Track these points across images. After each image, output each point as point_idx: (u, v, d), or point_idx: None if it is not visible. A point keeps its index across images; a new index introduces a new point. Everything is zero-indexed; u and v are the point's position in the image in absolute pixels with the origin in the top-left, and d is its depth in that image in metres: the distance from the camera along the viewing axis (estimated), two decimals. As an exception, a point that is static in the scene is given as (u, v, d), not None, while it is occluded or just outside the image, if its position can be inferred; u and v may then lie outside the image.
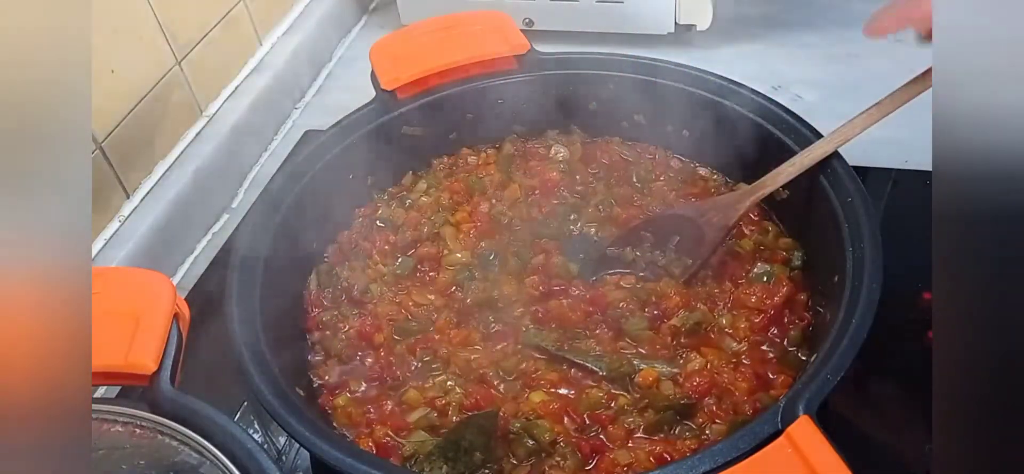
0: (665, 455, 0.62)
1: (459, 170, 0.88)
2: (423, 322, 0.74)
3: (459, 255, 0.79)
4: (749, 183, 0.81)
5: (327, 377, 0.71)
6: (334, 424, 0.67)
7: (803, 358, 0.67)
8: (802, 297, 0.71)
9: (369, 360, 0.71)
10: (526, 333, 0.71)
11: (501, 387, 0.68)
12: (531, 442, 0.63)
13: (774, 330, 0.69)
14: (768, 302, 0.71)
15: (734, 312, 0.71)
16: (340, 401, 0.68)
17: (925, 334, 0.71)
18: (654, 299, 0.72)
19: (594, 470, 0.62)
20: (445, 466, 0.61)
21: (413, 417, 0.67)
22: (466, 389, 0.68)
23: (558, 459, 0.62)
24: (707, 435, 0.63)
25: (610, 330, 0.71)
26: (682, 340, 0.69)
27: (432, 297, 0.76)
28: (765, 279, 0.73)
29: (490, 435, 0.63)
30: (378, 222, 0.84)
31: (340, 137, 0.81)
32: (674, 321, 0.70)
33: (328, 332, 0.74)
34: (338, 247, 0.81)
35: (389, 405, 0.68)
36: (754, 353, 0.68)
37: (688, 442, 0.63)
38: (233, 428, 0.54)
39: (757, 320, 0.70)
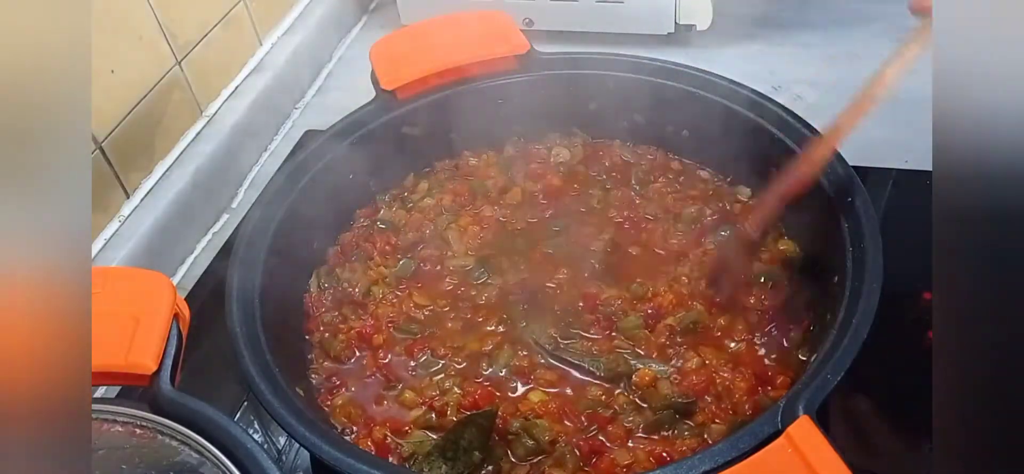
0: (665, 455, 0.62)
1: (461, 172, 0.88)
2: (423, 323, 0.74)
3: (461, 260, 0.79)
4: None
5: (326, 377, 0.71)
6: (333, 424, 0.67)
7: (803, 359, 0.67)
8: (802, 297, 0.71)
9: (366, 360, 0.71)
10: (525, 330, 0.71)
11: (500, 387, 0.68)
12: (530, 442, 0.63)
13: (774, 331, 0.69)
14: (767, 303, 0.71)
15: (732, 312, 0.71)
16: (338, 401, 0.68)
17: (925, 334, 0.71)
18: (650, 294, 0.72)
19: (593, 470, 0.62)
20: (444, 466, 0.61)
21: (411, 417, 0.67)
22: (464, 389, 0.68)
23: (557, 459, 0.62)
24: (707, 435, 0.63)
25: (604, 329, 0.71)
26: (678, 339, 0.69)
27: (433, 298, 0.76)
28: (763, 280, 0.73)
29: (489, 434, 0.63)
30: (379, 223, 0.84)
31: (340, 137, 0.81)
32: (670, 320, 0.70)
33: (328, 333, 0.74)
34: (339, 249, 0.82)
35: (388, 405, 0.68)
36: (753, 353, 0.68)
37: (688, 442, 0.63)
38: (233, 428, 0.54)
39: (755, 321, 0.70)
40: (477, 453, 0.62)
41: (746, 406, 0.64)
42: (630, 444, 0.63)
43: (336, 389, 0.70)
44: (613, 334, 0.71)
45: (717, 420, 0.64)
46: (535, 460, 0.63)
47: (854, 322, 0.57)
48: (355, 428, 0.67)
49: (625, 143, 0.89)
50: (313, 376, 0.71)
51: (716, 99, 0.80)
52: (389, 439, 0.66)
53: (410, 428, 0.66)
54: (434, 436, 0.65)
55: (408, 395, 0.68)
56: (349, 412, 0.67)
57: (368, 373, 0.71)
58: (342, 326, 0.74)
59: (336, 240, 0.82)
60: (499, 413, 0.65)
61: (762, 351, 0.68)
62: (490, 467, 0.63)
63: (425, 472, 0.61)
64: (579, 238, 0.80)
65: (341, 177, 0.81)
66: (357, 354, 0.72)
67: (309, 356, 0.73)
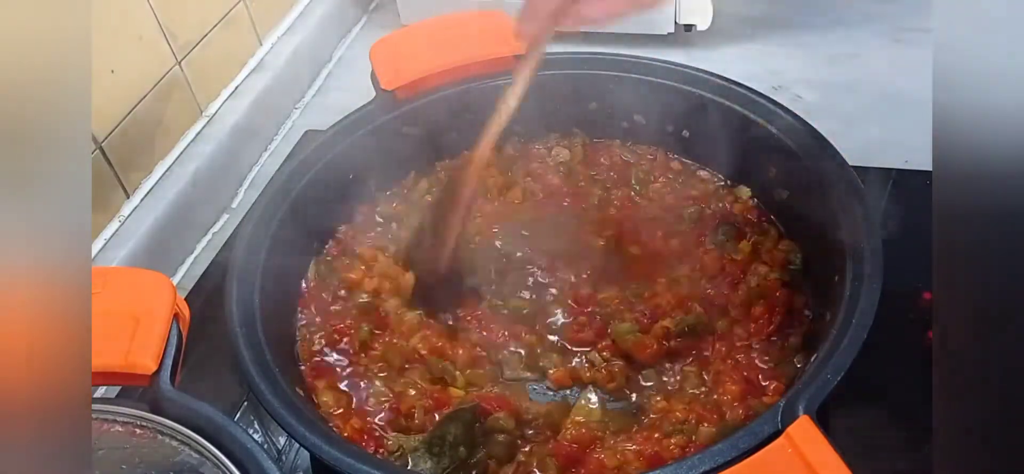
0: (656, 454, 0.62)
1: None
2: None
3: None
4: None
5: (319, 372, 0.71)
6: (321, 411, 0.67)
7: (799, 365, 0.66)
8: (801, 299, 0.71)
9: (362, 356, 0.71)
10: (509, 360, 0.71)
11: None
12: (509, 437, 0.63)
13: (774, 337, 0.69)
14: (766, 305, 0.70)
15: (731, 314, 0.71)
16: (328, 395, 0.68)
17: (925, 334, 0.71)
18: (647, 295, 0.72)
19: (580, 468, 0.62)
20: (430, 462, 0.62)
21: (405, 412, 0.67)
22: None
23: (541, 457, 0.62)
24: (695, 437, 0.63)
25: (595, 334, 0.71)
26: (673, 342, 0.69)
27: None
28: (763, 277, 0.73)
29: (473, 429, 0.63)
30: (378, 218, 0.84)
31: (340, 137, 0.81)
32: (666, 322, 0.70)
33: (325, 330, 0.74)
34: (339, 244, 0.82)
35: (381, 401, 0.68)
36: (749, 357, 0.68)
37: (676, 441, 0.62)
38: (233, 428, 0.54)
39: (754, 325, 0.70)
40: (462, 448, 0.62)
41: (738, 410, 0.64)
42: (612, 442, 0.63)
43: (327, 383, 0.70)
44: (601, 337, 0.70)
45: (705, 423, 0.63)
46: (520, 457, 0.63)
47: (854, 322, 0.57)
48: (337, 419, 0.67)
49: (625, 143, 0.89)
50: (308, 372, 0.71)
51: (716, 99, 0.80)
52: (378, 433, 0.66)
53: (406, 423, 0.66)
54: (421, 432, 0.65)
55: (403, 391, 0.68)
56: (340, 406, 0.67)
57: (363, 368, 0.71)
58: (338, 323, 0.74)
59: (336, 236, 0.82)
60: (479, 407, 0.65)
61: (757, 356, 0.68)
62: (476, 462, 0.62)
63: (410, 466, 0.62)
64: (579, 237, 0.80)
65: (341, 177, 0.81)
66: (354, 350, 0.72)
67: (307, 352, 0.73)
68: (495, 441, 0.63)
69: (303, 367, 0.71)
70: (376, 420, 0.67)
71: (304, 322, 0.75)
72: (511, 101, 0.69)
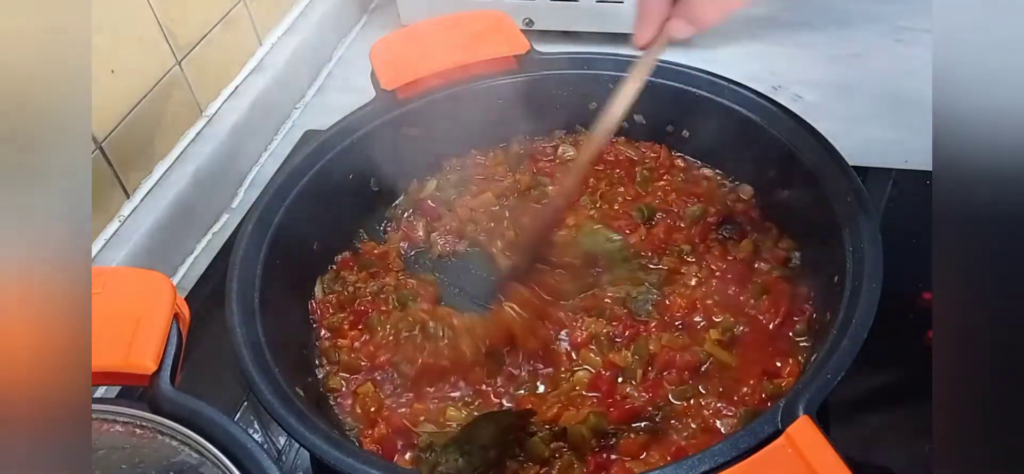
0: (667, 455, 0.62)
1: (468, 168, 0.89)
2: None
3: None
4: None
5: (336, 384, 0.71)
6: (350, 413, 0.68)
7: (804, 346, 0.67)
8: (803, 290, 0.71)
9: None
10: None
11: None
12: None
13: (782, 327, 0.69)
14: (771, 300, 0.71)
15: (745, 316, 0.71)
16: (363, 390, 0.69)
17: (925, 334, 0.71)
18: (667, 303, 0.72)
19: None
20: (461, 459, 0.61)
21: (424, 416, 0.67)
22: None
23: (565, 464, 0.62)
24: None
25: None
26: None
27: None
28: (766, 273, 0.73)
29: (506, 432, 0.63)
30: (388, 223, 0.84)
31: (340, 137, 0.81)
32: (714, 333, 0.69)
33: (329, 338, 0.74)
34: (349, 254, 0.82)
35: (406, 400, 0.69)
36: (761, 350, 0.68)
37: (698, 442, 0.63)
38: (233, 428, 0.54)
39: (763, 318, 0.70)
40: (493, 451, 0.62)
41: (752, 398, 0.65)
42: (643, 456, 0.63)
43: (352, 390, 0.70)
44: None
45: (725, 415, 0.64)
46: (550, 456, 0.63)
47: (854, 322, 0.57)
48: (371, 418, 0.67)
49: (629, 142, 0.89)
50: (325, 389, 0.71)
51: (716, 99, 0.80)
52: (407, 429, 0.66)
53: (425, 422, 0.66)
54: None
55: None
56: (370, 406, 0.68)
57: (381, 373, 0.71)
58: (348, 330, 0.74)
59: (351, 243, 0.82)
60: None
61: (768, 346, 0.68)
62: (506, 464, 0.62)
63: (442, 465, 0.61)
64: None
65: (341, 177, 0.81)
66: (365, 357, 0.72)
67: (316, 362, 0.73)
68: (530, 448, 0.63)
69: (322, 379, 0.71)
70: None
71: (313, 334, 0.75)
72: (620, 105, 0.66)
